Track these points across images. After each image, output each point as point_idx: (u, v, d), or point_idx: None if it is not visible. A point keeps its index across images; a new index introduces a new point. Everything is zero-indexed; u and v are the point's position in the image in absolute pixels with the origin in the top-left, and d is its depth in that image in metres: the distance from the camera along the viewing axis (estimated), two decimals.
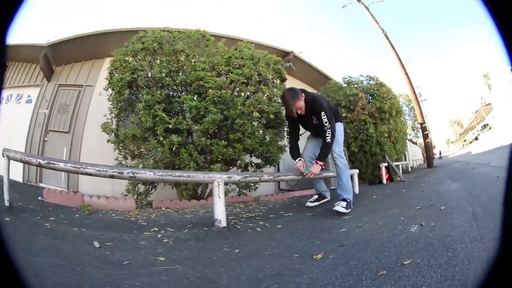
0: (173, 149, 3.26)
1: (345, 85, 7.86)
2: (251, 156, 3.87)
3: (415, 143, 23.18)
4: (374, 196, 4.31)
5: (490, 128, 30.12)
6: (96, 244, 1.81)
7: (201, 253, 1.81)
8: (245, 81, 3.67)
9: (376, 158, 7.04)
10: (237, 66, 3.77)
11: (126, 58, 4.02)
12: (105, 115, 4.29)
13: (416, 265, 1.33)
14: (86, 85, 5.91)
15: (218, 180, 2.52)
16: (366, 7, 12.75)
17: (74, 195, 4.07)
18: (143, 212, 3.24)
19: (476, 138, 32.38)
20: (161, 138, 3.30)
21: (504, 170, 0.46)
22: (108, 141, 4.08)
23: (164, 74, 3.55)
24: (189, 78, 3.48)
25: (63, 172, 4.72)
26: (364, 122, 7.04)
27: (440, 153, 31.03)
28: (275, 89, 4.02)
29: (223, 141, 3.40)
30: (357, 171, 4.84)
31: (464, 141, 42.08)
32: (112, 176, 2.33)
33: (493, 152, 9.36)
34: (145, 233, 2.16)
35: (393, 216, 2.63)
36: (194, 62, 3.72)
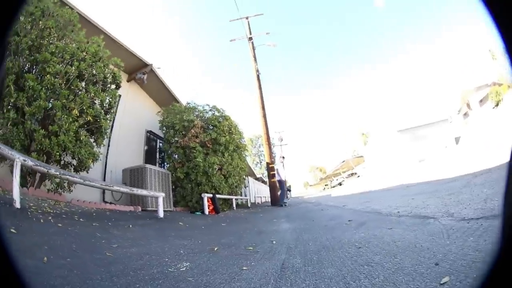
0: (8, 125, 3.29)
1: (186, 110, 7.76)
2: (66, 154, 3.84)
3: (265, 182, 24.65)
4: (181, 223, 4.17)
5: (358, 176, 32.69)
6: None
7: None
8: (78, 76, 3.70)
9: (201, 188, 6.91)
10: (79, 58, 3.75)
11: (21, 18, 3.77)
12: None
13: None
14: None
15: (17, 159, 2.74)
16: (253, 48, 13.03)
17: None
18: None
19: (340, 184, 34.48)
20: (5, 111, 3.31)
21: (505, 170, 0.46)
22: None
23: (26, 46, 3.51)
24: (39, 57, 3.48)
25: None
26: (194, 150, 6.98)
27: (289, 191, 32.86)
28: (103, 93, 4.01)
29: (42, 130, 3.41)
30: (162, 194, 4.76)
31: (326, 185, 45.16)
32: None
33: (354, 197, 8.81)
34: None
35: (175, 246, 2.55)
36: (52, 43, 3.70)
